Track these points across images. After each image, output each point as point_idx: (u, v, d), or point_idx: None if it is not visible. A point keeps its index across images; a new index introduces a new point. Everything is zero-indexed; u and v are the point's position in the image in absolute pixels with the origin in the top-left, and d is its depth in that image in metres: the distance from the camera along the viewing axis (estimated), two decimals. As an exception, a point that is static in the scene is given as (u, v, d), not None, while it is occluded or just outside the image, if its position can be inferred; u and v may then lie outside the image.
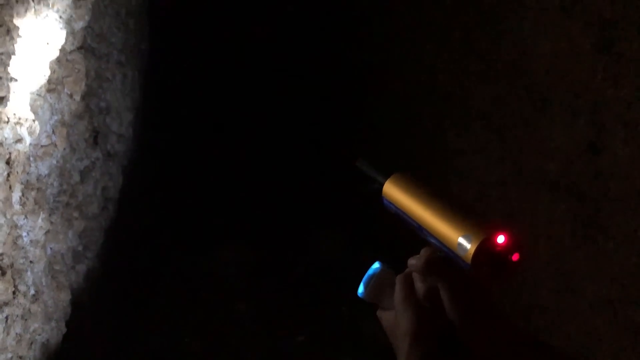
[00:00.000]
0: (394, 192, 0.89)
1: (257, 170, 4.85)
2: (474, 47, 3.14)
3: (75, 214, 2.59)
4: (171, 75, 4.92)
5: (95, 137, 2.93)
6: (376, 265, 0.95)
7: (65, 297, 2.22)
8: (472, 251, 0.74)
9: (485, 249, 0.74)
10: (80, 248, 2.72)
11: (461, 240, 0.76)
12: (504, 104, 2.92)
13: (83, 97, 2.50)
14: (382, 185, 0.92)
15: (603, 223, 2.30)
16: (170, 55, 4.87)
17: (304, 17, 5.22)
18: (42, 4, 1.49)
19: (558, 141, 2.55)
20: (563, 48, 2.43)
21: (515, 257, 0.76)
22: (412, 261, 0.84)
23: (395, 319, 0.85)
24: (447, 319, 0.80)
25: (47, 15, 1.54)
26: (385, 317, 0.89)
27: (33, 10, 1.46)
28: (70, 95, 2.10)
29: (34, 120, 1.60)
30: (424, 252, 0.83)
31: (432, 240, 0.82)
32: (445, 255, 0.80)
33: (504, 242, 0.75)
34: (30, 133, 1.60)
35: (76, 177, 2.60)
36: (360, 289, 0.94)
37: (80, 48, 2.13)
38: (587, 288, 2.39)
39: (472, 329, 0.80)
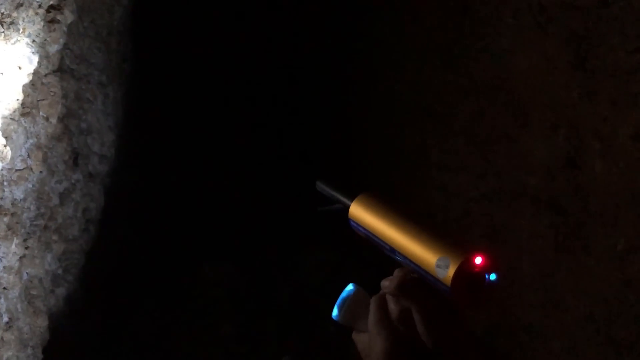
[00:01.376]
0: (361, 213, 0.87)
1: (243, 190, 4.83)
2: (455, 63, 3.16)
3: (55, 237, 2.56)
4: (155, 93, 4.91)
5: (76, 159, 2.90)
6: (350, 287, 0.94)
7: (42, 322, 2.18)
8: (452, 274, 0.74)
9: (463, 271, 0.74)
10: (59, 271, 2.68)
11: (439, 262, 0.76)
12: (485, 119, 2.94)
13: (61, 119, 2.49)
14: (346, 206, 0.90)
15: (584, 238, 2.31)
16: (154, 73, 4.87)
17: (289, 35, 5.25)
18: (11, 29, 1.48)
19: (538, 156, 2.56)
20: (540, 64, 2.45)
21: (492, 277, 0.76)
22: (385, 283, 0.83)
23: (369, 341, 0.84)
24: (421, 341, 0.79)
25: (17, 40, 1.53)
26: (360, 339, 0.89)
27: (2, 35, 1.46)
28: (46, 118, 2.08)
29: (5, 145, 1.58)
30: (397, 274, 0.83)
31: (407, 263, 0.81)
32: (421, 277, 0.79)
33: (481, 263, 0.75)
34: (2, 158, 1.58)
35: (55, 200, 2.58)
36: (335, 311, 0.93)
37: (56, 71, 2.12)
38: (570, 304, 2.38)
39: (445, 351, 0.80)
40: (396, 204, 0.87)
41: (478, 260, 0.74)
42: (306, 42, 5.15)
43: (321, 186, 0.95)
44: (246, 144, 5.24)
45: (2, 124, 1.63)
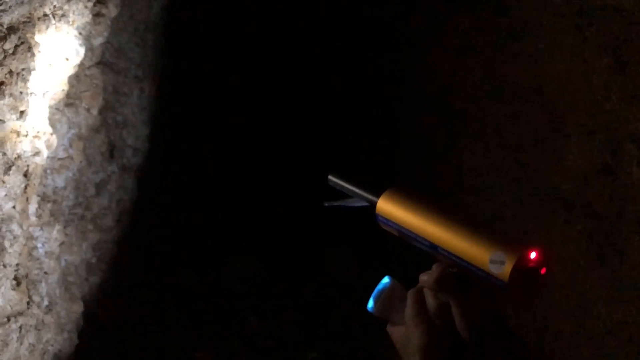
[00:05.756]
0: (392, 209, 0.85)
1: (271, 186, 4.87)
2: (490, 66, 3.14)
3: (90, 227, 2.63)
4: (189, 89, 4.97)
5: (112, 151, 2.97)
6: (386, 279, 0.93)
7: (78, 308, 2.24)
8: (509, 269, 0.73)
9: (521, 266, 0.74)
10: (94, 260, 2.75)
11: (493, 258, 0.75)
12: (519, 122, 2.91)
13: (100, 111, 2.55)
14: (371, 202, 0.88)
15: (618, 245, 2.27)
16: (189, 70, 4.93)
17: (324, 37, 5.26)
18: (62, 21, 1.52)
19: (573, 161, 2.53)
20: (578, 68, 2.41)
21: (543, 271, 0.76)
22: (424, 277, 0.82)
23: (406, 335, 0.84)
24: (459, 336, 0.79)
25: (67, 32, 1.58)
26: (396, 332, 0.88)
27: (54, 27, 1.50)
28: (88, 110, 2.13)
29: (51, 134, 1.63)
30: (435, 268, 0.82)
31: (452, 258, 0.79)
32: (465, 272, 0.78)
33: (535, 257, 0.75)
34: (48, 146, 1.63)
35: (92, 190, 2.64)
36: (370, 303, 0.93)
37: (98, 63, 2.17)
38: (602, 310, 2.34)
39: (483, 346, 0.80)
40: (431, 199, 0.85)
41: (533, 255, 0.74)
42: (339, 39, 5.16)
43: (334, 180, 0.91)
44: (275, 142, 5.27)
45: (48, 113, 1.68)
